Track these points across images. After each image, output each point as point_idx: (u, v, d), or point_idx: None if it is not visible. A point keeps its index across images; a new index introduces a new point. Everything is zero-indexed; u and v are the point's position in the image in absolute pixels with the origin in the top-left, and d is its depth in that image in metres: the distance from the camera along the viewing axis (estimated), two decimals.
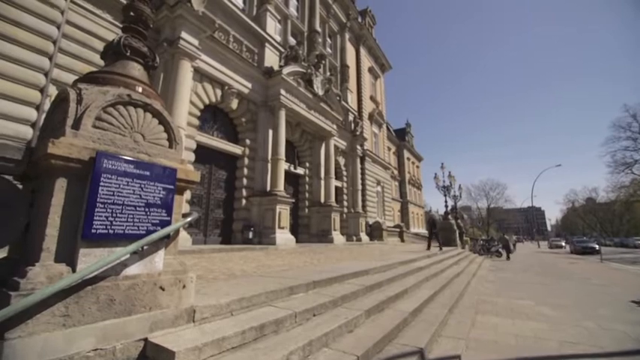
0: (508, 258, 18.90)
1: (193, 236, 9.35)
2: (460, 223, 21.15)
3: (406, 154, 41.58)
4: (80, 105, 1.88)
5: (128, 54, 2.32)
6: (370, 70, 25.95)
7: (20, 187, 2.08)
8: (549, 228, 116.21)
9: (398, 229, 22.94)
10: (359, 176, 19.26)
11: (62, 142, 1.75)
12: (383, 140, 26.88)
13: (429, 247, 11.98)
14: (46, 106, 6.36)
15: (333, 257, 7.64)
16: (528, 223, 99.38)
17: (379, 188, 24.54)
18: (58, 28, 6.82)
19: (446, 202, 19.33)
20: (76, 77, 6.19)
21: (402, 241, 22.18)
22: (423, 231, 42.16)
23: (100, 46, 7.39)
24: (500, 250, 19.76)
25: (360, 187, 19.08)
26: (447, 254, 11.48)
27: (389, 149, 32.56)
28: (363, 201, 20.40)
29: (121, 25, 2.63)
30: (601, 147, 43.79)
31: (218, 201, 10.93)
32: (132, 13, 2.49)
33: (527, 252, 28.54)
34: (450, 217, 18.85)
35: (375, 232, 19.13)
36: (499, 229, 75.96)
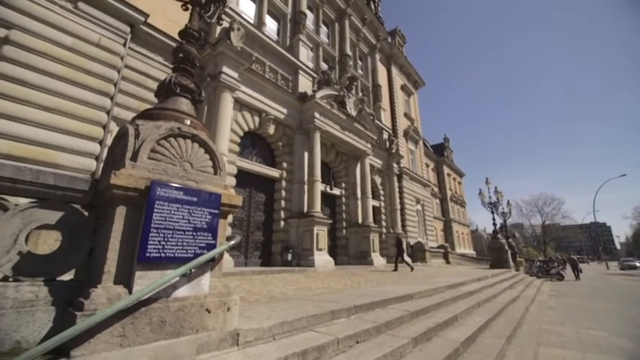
0: (578, 278, 17.36)
1: (235, 258, 9.61)
2: (512, 242, 19.48)
3: (446, 170, 39.97)
4: (137, 139, 2.09)
5: (178, 91, 2.56)
6: (403, 87, 25.86)
7: (86, 214, 2.31)
8: (618, 246, 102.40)
9: (442, 250, 21.68)
10: (397, 195, 18.79)
11: (122, 173, 1.93)
12: (420, 157, 26.19)
13: (396, 269, 11.47)
14: (108, 140, 7.13)
15: (373, 280, 7.38)
16: (592, 241, 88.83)
17: (419, 207, 23.66)
18: (118, 72, 7.73)
19: (494, 219, 18.01)
20: (132, 113, 6.88)
21: (448, 262, 20.87)
22: (470, 251, 39.53)
23: (152, 84, 8.23)
24: (561, 272, 17.78)
25: (398, 206, 18.55)
26: (499, 277, 10.57)
27: (427, 166, 31.57)
28: (403, 220, 19.74)
29: (171, 66, 2.92)
30: None
31: (258, 223, 11.22)
32: (181, 55, 2.76)
33: (594, 274, 25.31)
34: (499, 235, 17.46)
35: (417, 253, 18.24)
36: (558, 249, 68.70)
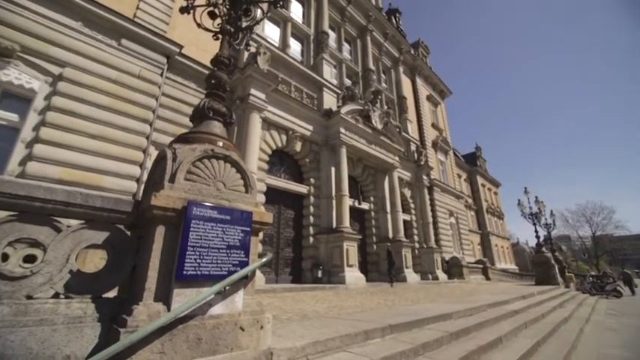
0: (633, 293, 15.65)
1: (266, 275, 9.67)
2: (558, 255, 17.98)
3: (480, 180, 38.24)
4: (175, 162, 2.21)
5: (211, 115, 2.70)
6: (429, 98, 25.49)
7: (129, 234, 2.44)
8: None
9: (480, 265, 20.45)
10: (428, 208, 18.19)
11: (162, 195, 2.04)
12: (451, 167, 25.34)
13: (391, 283, 11.73)
14: (147, 163, 7.60)
15: (407, 298, 7.08)
16: None
17: (452, 219, 22.69)
18: (156, 99, 8.32)
19: (536, 231, 16.77)
20: (169, 138, 7.34)
21: (488, 278, 19.61)
22: (512, 267, 37.00)
23: (187, 109, 8.76)
24: (619, 288, 16.02)
25: (430, 219, 17.92)
26: (547, 294, 9.75)
27: (459, 176, 30.40)
28: (436, 235, 18.99)
29: (204, 91, 3.10)
30: None
31: (287, 240, 11.28)
32: (213, 81, 2.92)
33: None
34: (544, 249, 16.19)
35: (454, 269, 17.34)
36: (613, 262, 62.32)
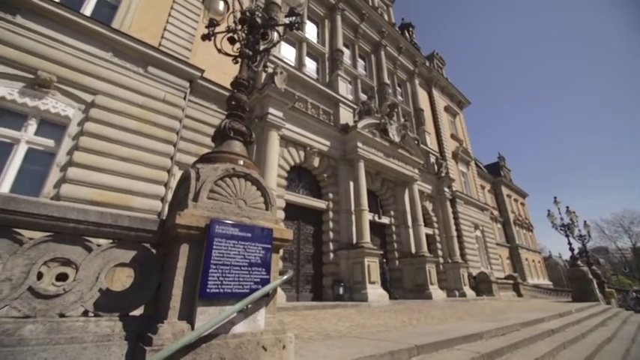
0: None
1: (287, 292, 9.57)
2: (596, 269, 16.80)
3: (505, 190, 36.85)
4: (198, 181, 2.28)
5: (231, 135, 2.80)
6: (446, 109, 25.21)
7: (154, 252, 2.51)
8: None
9: (511, 281, 19.36)
10: (451, 221, 17.61)
11: (186, 214, 2.10)
12: (473, 179, 24.62)
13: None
14: (172, 183, 7.87)
15: (434, 316, 6.79)
16: None
17: (478, 233, 21.83)
18: (180, 121, 8.69)
19: (570, 244, 15.80)
20: (192, 157, 7.58)
21: (519, 295, 18.52)
22: (546, 282, 34.92)
23: (208, 130, 9.07)
24: None
25: (454, 233, 17.30)
26: (586, 312, 9.07)
27: (482, 187, 29.42)
28: (461, 249, 18.28)
29: (224, 112, 3.22)
30: None
31: (307, 256, 11.19)
32: (233, 102, 3.04)
33: None
34: (579, 262, 15.19)
35: (482, 285, 16.50)
36: None
